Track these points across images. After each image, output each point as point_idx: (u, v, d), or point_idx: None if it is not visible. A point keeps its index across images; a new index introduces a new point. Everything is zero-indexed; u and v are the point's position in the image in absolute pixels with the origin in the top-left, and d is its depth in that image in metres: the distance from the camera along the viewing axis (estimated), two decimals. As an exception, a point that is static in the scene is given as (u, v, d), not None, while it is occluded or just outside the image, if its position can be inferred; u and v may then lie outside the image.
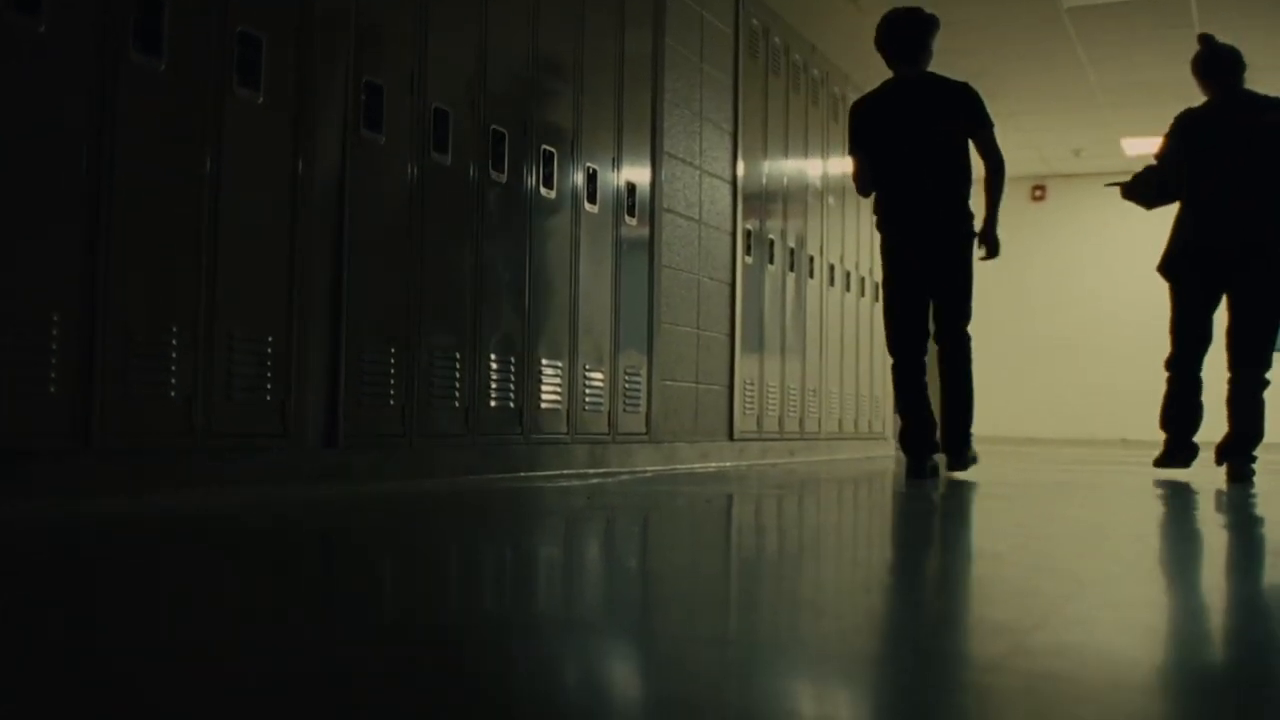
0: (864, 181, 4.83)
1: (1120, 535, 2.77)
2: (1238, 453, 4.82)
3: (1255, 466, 4.85)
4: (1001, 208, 4.75)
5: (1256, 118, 4.97)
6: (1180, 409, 5.05)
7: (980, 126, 4.74)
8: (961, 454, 4.75)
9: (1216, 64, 5.19)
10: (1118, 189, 5.40)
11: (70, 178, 2.66)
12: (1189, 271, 4.99)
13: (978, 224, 4.75)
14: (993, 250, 4.75)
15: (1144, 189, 5.30)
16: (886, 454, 7.97)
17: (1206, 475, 4.96)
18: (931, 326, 4.79)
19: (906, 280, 4.72)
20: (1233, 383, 4.87)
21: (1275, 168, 4.86)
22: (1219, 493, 4.25)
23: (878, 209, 4.83)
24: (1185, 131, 5.18)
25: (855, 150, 4.85)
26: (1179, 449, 5.09)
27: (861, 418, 7.70)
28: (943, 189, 4.67)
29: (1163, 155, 5.24)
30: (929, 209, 4.67)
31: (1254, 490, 4.40)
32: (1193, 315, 4.98)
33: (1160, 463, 5.14)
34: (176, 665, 1.12)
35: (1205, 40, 5.28)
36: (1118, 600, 1.72)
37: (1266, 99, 5.07)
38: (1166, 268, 5.06)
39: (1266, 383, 4.87)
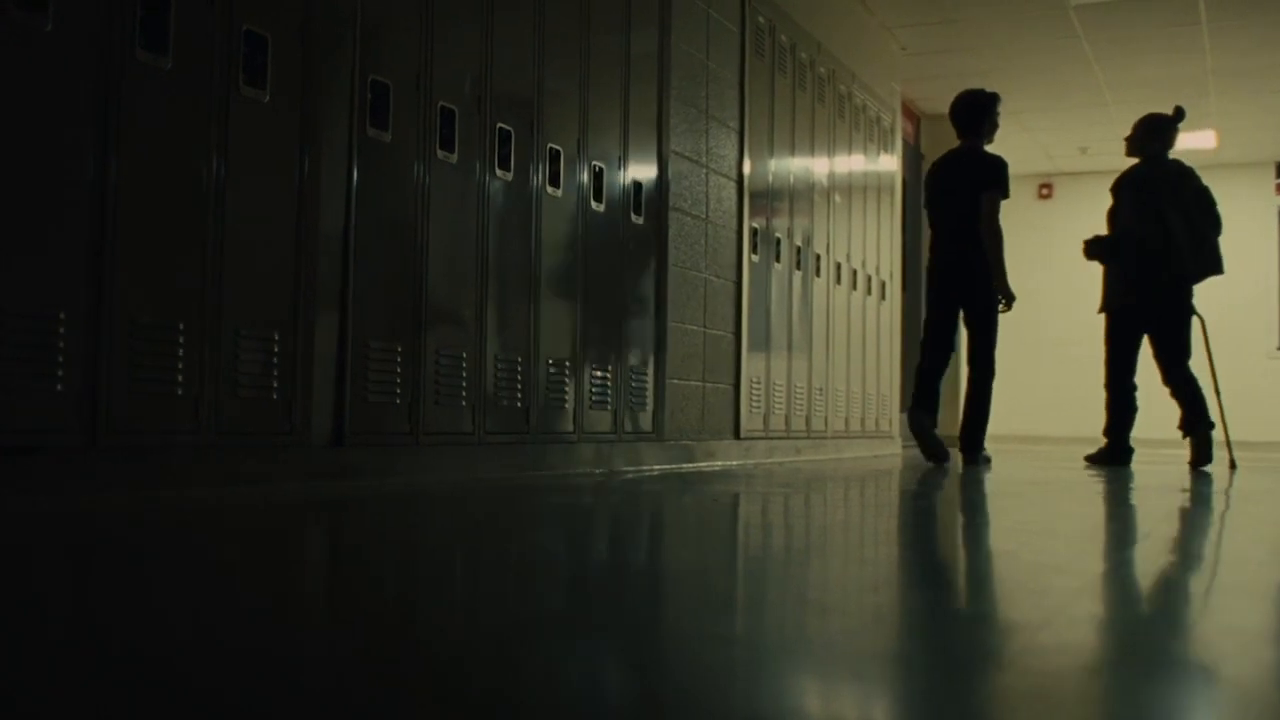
0: (931, 223, 6.18)
1: (1127, 532, 2.76)
2: (1199, 420, 6.03)
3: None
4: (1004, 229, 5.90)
5: (1188, 182, 6.06)
6: (1126, 418, 6.23)
7: (988, 187, 5.82)
8: (973, 453, 5.98)
9: (1172, 133, 6.20)
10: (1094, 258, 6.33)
11: (76, 175, 2.66)
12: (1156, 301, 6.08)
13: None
14: (1007, 301, 5.86)
15: (1109, 249, 6.23)
16: (894, 452, 7.96)
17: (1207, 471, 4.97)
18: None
19: (939, 309, 6.02)
20: (1172, 383, 6.06)
21: (1207, 221, 6.02)
22: (1219, 489, 4.24)
23: (930, 250, 6.12)
24: (1149, 186, 6.11)
25: (925, 205, 6.26)
26: (1121, 450, 6.23)
27: (869, 416, 7.69)
28: (974, 245, 5.81)
29: (1129, 208, 6.13)
30: (959, 260, 5.88)
31: (1208, 475, 4.39)
32: (1134, 341, 6.18)
33: (1102, 460, 6.25)
34: (174, 666, 1.12)
35: (1180, 113, 6.24)
36: (1127, 597, 1.72)
37: (1187, 166, 6.14)
38: (1149, 296, 6.05)
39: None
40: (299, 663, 1.14)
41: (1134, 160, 6.25)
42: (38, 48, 2.57)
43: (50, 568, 1.81)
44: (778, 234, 6.29)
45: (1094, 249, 6.21)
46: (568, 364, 4.43)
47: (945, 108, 9.85)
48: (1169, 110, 6.22)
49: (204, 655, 1.15)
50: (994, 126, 6.09)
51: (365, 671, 1.10)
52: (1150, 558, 2.23)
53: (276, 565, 1.95)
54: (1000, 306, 5.88)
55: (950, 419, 7.63)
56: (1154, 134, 6.17)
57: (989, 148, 6.11)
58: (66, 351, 2.61)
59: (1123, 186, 6.22)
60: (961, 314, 6.01)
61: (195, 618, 1.36)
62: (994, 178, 5.84)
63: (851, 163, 7.43)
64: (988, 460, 6.02)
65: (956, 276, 5.91)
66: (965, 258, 5.87)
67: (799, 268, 6.56)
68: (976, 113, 6.04)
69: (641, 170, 4.97)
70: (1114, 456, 6.25)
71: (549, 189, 4.32)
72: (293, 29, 3.25)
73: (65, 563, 1.86)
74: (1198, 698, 1.09)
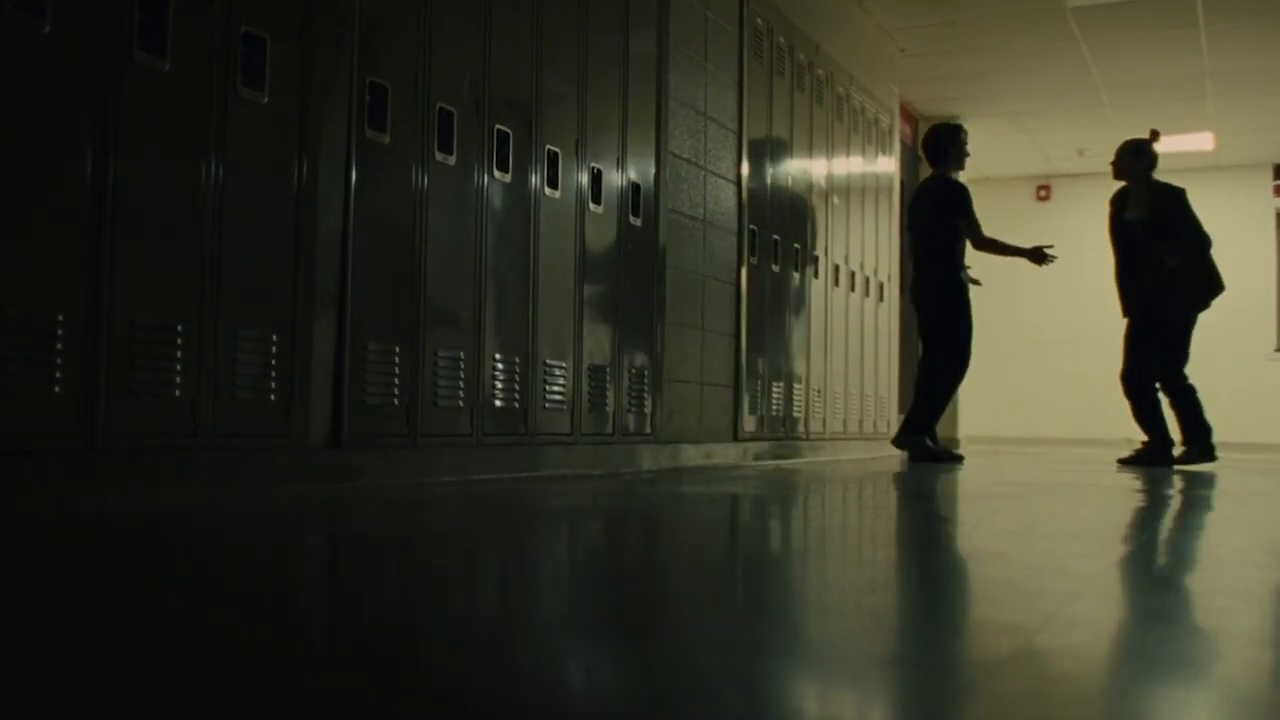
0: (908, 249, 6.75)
1: (1124, 535, 2.77)
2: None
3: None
4: (1007, 238, 6.48)
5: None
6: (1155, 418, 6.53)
7: (954, 217, 6.31)
8: (906, 433, 6.42)
9: (1155, 155, 6.58)
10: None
11: (75, 177, 2.66)
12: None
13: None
14: (1039, 258, 6.42)
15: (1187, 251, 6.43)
16: (891, 454, 7.97)
17: (1202, 474, 4.98)
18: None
19: (919, 331, 6.52)
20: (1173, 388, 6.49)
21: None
22: (1213, 490, 4.25)
23: None
24: (1177, 201, 6.50)
25: (906, 229, 6.87)
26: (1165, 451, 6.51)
27: (866, 418, 7.69)
28: (927, 266, 6.39)
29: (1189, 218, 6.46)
30: (917, 275, 6.50)
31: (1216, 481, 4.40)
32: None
33: (1162, 461, 6.47)
34: (170, 671, 1.12)
35: (1156, 135, 6.68)
36: (1122, 600, 1.72)
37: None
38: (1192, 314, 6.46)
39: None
40: (293, 676, 1.14)
41: (1122, 183, 6.58)
42: (36, 49, 2.57)
43: (46, 572, 1.81)
44: (776, 236, 6.30)
45: (1175, 260, 6.40)
46: (566, 365, 4.43)
47: (944, 109, 9.91)
48: (1144, 135, 6.68)
49: (195, 665, 1.15)
50: (961, 154, 6.54)
51: (363, 681, 1.10)
52: (1146, 560, 2.24)
53: (274, 570, 1.95)
54: (1044, 263, 6.49)
55: (948, 422, 7.66)
56: (1142, 156, 6.52)
57: (962, 175, 6.69)
58: (65, 353, 2.61)
59: (1143, 199, 6.47)
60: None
61: (190, 624, 1.37)
62: (954, 207, 6.30)
63: (850, 164, 7.43)
64: (921, 449, 6.32)
65: (917, 298, 6.47)
66: (921, 280, 6.43)
67: (797, 269, 6.56)
68: (939, 143, 6.52)
69: (640, 172, 4.97)
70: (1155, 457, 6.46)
71: (547, 190, 4.32)
72: (291, 30, 3.25)
73: (61, 567, 1.86)
74: (1194, 699, 1.09)
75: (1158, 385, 6.47)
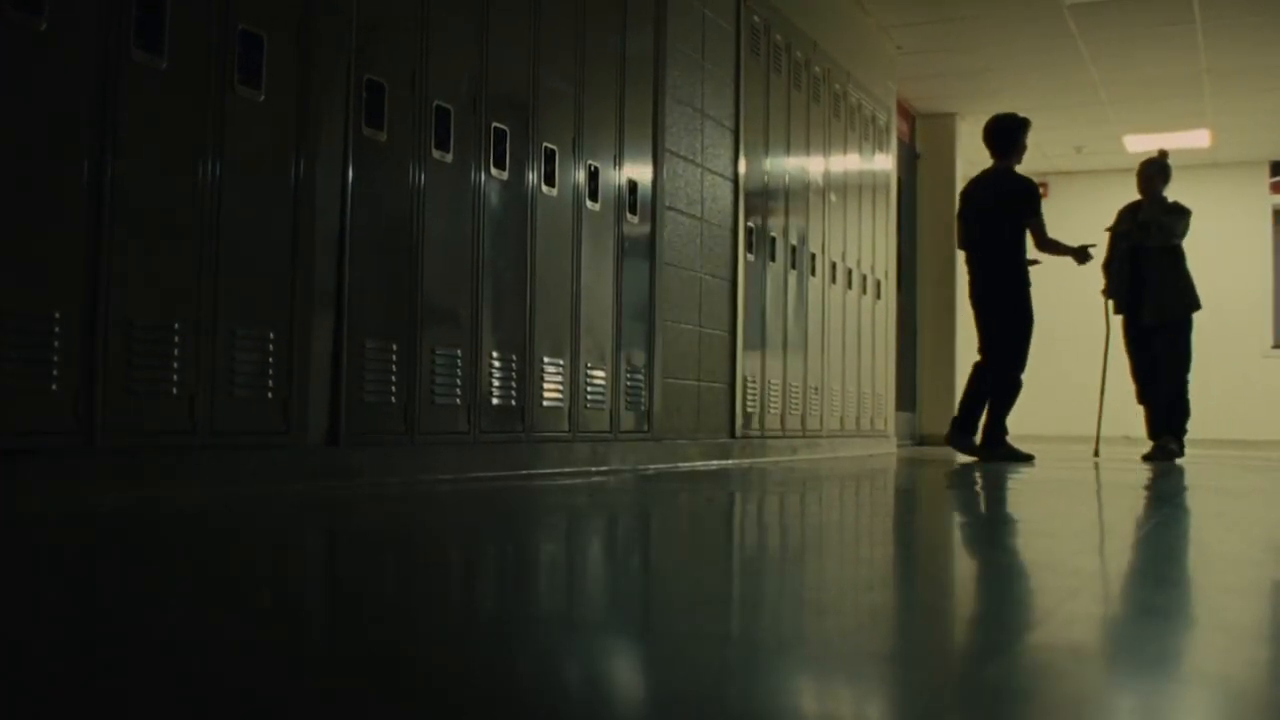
0: (960, 240, 6.72)
1: (1122, 531, 2.77)
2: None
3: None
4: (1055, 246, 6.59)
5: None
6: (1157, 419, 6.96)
7: (1026, 216, 6.38)
8: (985, 447, 6.41)
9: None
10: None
11: (73, 176, 2.66)
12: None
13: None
14: (1081, 256, 6.62)
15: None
16: (889, 451, 7.97)
17: (1199, 470, 4.99)
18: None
19: (974, 314, 6.55)
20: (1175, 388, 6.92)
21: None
22: (1211, 488, 4.26)
23: (967, 272, 6.64)
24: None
25: (958, 218, 6.77)
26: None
27: (864, 415, 7.69)
28: (991, 259, 6.40)
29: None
30: (980, 273, 6.45)
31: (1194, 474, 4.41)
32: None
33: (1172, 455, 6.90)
34: (167, 670, 1.12)
35: (1164, 154, 7.14)
36: (1120, 597, 1.72)
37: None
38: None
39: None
40: (293, 676, 1.14)
41: (1139, 197, 7.11)
42: (34, 48, 2.57)
43: (45, 571, 1.81)
44: (773, 233, 6.30)
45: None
46: (563, 363, 4.43)
47: (940, 106, 9.92)
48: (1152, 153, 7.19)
49: (195, 665, 1.16)
50: (1022, 149, 6.58)
51: (360, 682, 1.10)
52: (1144, 556, 2.24)
53: (274, 569, 1.95)
54: (1082, 260, 6.67)
55: (937, 418, 7.67)
56: (1165, 175, 6.99)
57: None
58: (62, 352, 2.61)
59: (1172, 213, 6.95)
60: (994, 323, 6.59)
61: (190, 624, 1.37)
62: (1028, 205, 6.39)
63: (847, 162, 7.44)
64: (1002, 455, 6.36)
65: (988, 299, 6.44)
66: (994, 281, 6.41)
67: (794, 267, 6.57)
68: (1010, 134, 6.52)
69: (637, 170, 4.97)
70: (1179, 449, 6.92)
71: (544, 188, 4.32)
72: (289, 29, 3.25)
73: (61, 566, 1.86)
74: (1192, 695, 1.10)
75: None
